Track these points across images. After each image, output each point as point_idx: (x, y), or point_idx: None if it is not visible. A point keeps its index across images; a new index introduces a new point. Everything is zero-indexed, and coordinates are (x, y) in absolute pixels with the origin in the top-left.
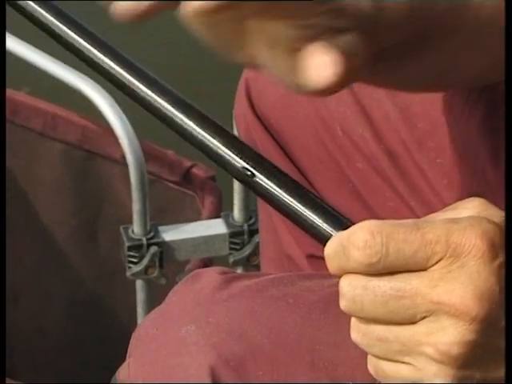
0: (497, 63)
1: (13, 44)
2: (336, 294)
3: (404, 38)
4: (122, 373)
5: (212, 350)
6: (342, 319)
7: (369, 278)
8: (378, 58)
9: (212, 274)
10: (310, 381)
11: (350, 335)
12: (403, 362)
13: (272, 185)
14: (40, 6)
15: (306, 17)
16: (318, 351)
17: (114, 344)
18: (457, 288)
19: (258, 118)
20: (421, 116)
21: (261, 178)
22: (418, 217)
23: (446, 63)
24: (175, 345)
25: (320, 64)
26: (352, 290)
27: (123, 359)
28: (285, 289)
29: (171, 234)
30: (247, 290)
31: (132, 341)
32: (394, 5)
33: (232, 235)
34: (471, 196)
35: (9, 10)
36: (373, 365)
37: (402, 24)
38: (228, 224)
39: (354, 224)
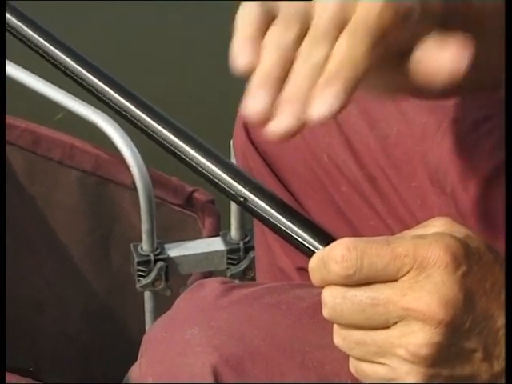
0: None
1: (37, 82)
2: None
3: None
4: (133, 371)
5: (214, 351)
6: (329, 324)
7: (347, 289)
8: None
9: (214, 284)
10: (300, 378)
11: None
12: (379, 363)
13: (265, 206)
14: (56, 47)
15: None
16: (308, 352)
17: (124, 348)
18: (424, 296)
19: (254, 147)
20: (397, 145)
21: (255, 201)
22: (395, 233)
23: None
24: (181, 346)
25: (454, 52)
26: (333, 300)
27: (133, 361)
28: (278, 297)
29: (175, 250)
30: (245, 298)
31: (143, 343)
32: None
33: (229, 252)
34: (443, 215)
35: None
36: (353, 365)
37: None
38: (226, 242)
39: (329, 235)
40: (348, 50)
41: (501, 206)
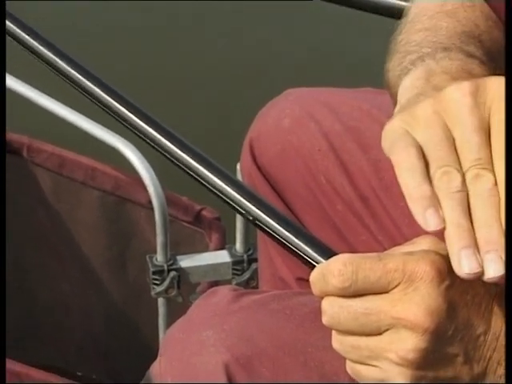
0: None
1: (64, 111)
2: None
3: None
4: (154, 368)
5: (226, 351)
6: (328, 328)
7: (343, 300)
8: None
9: (225, 291)
10: (302, 376)
11: None
12: (372, 365)
13: (273, 224)
14: (78, 72)
15: None
16: (310, 353)
17: (139, 347)
18: (412, 307)
19: (259, 169)
20: (387, 169)
21: (264, 219)
22: (385, 248)
23: None
24: (197, 346)
25: None
26: (331, 309)
27: (146, 359)
28: (283, 303)
29: (186, 262)
30: (253, 304)
31: (163, 343)
32: None
33: (234, 263)
34: (427, 232)
35: (53, 75)
36: (350, 367)
37: None
38: (231, 254)
39: (334, 252)
40: None
41: None
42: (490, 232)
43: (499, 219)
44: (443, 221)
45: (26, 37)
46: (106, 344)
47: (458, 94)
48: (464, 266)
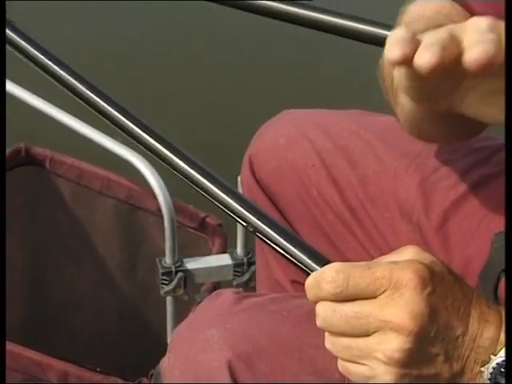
0: None
1: (86, 129)
2: None
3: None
4: (163, 363)
5: (229, 349)
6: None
7: (336, 304)
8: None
9: (228, 294)
10: (298, 371)
11: None
12: (362, 364)
13: (273, 233)
14: (92, 91)
15: None
16: (304, 350)
17: (147, 342)
18: (398, 311)
19: (258, 182)
20: (373, 183)
21: (264, 230)
22: (370, 254)
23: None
24: (202, 344)
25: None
26: (324, 312)
27: (153, 353)
28: (280, 305)
29: (192, 264)
30: (254, 306)
31: (171, 340)
32: None
33: (235, 266)
34: (409, 240)
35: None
36: (341, 365)
37: None
38: (232, 257)
39: (328, 260)
40: None
41: (456, 233)
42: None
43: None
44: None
45: (48, 63)
46: (115, 338)
47: None
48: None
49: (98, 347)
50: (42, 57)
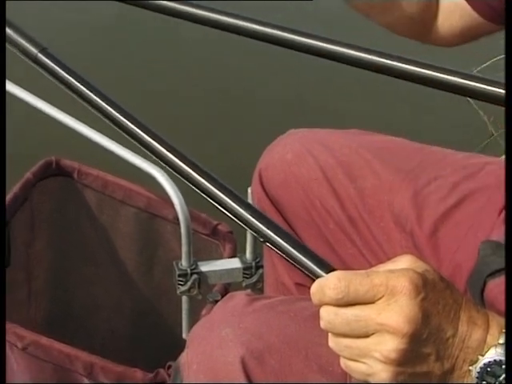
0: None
1: (110, 144)
2: None
3: None
4: (182, 358)
5: (242, 346)
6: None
7: (338, 308)
8: None
9: (241, 296)
10: (304, 366)
11: None
12: (361, 362)
13: (282, 242)
14: (119, 112)
15: None
16: (310, 348)
17: (164, 339)
18: (393, 315)
19: (267, 194)
20: (371, 195)
21: (275, 239)
22: (367, 259)
23: None
24: (218, 341)
25: None
26: (327, 316)
27: (170, 350)
28: (288, 307)
29: (205, 267)
30: (264, 307)
31: (189, 338)
32: None
33: (244, 269)
34: (402, 248)
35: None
36: (343, 362)
37: None
38: (242, 261)
39: (332, 268)
40: None
41: (446, 241)
42: None
43: None
44: None
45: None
46: (132, 335)
47: None
48: None
49: (115, 343)
50: (73, 80)
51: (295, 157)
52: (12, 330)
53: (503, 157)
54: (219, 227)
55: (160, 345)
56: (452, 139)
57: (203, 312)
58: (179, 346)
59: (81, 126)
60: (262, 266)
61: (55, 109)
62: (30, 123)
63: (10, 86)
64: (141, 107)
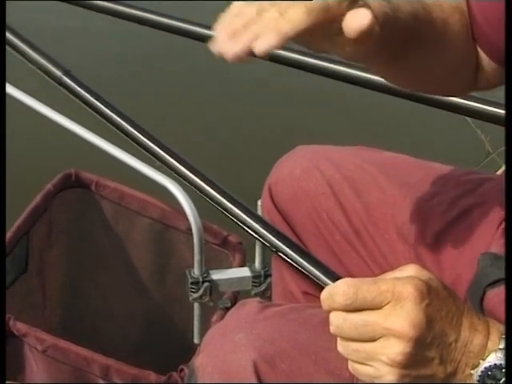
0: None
1: (126, 157)
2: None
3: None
4: (196, 361)
5: (254, 351)
6: (334, 334)
7: (346, 314)
8: (384, 45)
9: (253, 303)
10: (313, 371)
11: None
12: (369, 365)
13: (292, 253)
14: (135, 129)
15: None
16: (319, 352)
17: (175, 345)
18: (399, 320)
19: (276, 207)
20: (375, 209)
21: (285, 250)
22: (372, 270)
23: (424, 64)
24: (231, 346)
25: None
26: (336, 321)
27: (182, 355)
28: (298, 314)
29: (216, 275)
30: (275, 314)
31: (203, 342)
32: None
33: (253, 277)
34: (405, 259)
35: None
36: (351, 365)
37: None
38: (251, 270)
39: (339, 276)
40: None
41: (447, 253)
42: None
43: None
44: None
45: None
46: (144, 340)
47: None
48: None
49: (128, 348)
50: (95, 101)
51: (303, 172)
52: (33, 333)
53: (500, 170)
54: (229, 238)
55: (172, 350)
56: (450, 157)
57: (214, 318)
58: (190, 350)
59: (100, 140)
60: (270, 275)
61: (76, 124)
62: (53, 138)
63: (37, 105)
64: (153, 120)
